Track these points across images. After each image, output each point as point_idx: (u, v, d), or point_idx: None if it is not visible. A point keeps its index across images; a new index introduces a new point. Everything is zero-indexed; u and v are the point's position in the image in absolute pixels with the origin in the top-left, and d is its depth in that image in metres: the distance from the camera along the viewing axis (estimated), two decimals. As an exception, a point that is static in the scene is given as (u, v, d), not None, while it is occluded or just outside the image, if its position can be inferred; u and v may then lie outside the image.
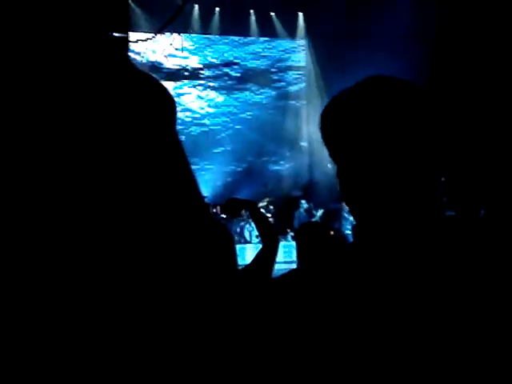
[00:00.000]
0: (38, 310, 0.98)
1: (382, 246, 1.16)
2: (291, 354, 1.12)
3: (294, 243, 13.27)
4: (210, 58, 17.13)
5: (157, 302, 1.14)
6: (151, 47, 15.63)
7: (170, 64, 16.34)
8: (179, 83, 16.31)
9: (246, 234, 14.41)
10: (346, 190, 1.19)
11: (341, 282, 1.16)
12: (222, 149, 16.81)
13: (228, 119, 17.19)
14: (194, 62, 16.92)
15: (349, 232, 13.04)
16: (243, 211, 3.71)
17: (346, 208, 11.22)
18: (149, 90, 1.27)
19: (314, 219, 14.17)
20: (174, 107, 1.29)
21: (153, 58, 16.02)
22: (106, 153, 1.15)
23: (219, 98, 17.22)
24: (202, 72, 16.96)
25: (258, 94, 17.45)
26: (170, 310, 1.14)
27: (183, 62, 16.62)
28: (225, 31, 16.73)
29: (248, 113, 17.30)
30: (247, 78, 17.39)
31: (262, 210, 15.14)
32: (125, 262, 1.13)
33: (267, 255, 3.12)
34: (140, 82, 1.27)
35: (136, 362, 1.06)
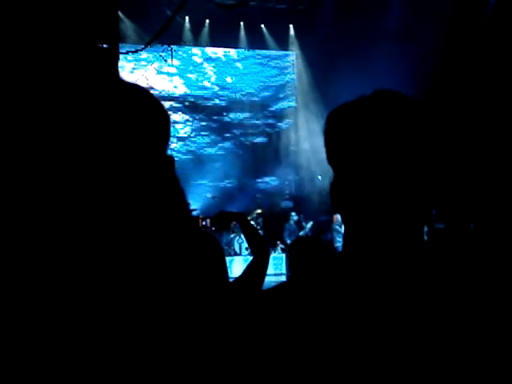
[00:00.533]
0: (37, 310, 0.98)
1: (369, 259, 1.16)
2: (282, 365, 1.11)
3: (283, 255, 13.32)
4: (194, 88, 17.13)
5: (149, 312, 1.14)
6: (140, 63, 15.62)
7: (158, 86, 16.26)
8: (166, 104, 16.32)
9: (236, 246, 14.38)
10: (341, 197, 1.19)
11: (327, 296, 1.16)
12: (213, 167, 16.80)
13: (218, 138, 17.19)
14: (180, 88, 16.93)
15: (339, 245, 13.04)
16: (233, 224, 3.67)
17: (338, 220, 11.29)
18: (143, 103, 1.26)
19: (303, 231, 14.20)
20: (168, 121, 1.29)
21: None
22: (99, 164, 1.15)
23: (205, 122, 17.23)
24: (187, 99, 16.96)
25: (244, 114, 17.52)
26: (164, 318, 1.14)
27: (170, 87, 16.58)
28: (215, 43, 16.76)
29: (237, 131, 17.34)
30: (234, 103, 17.44)
31: (252, 222, 15.14)
32: (114, 271, 1.13)
33: (258, 267, 3.10)
34: (134, 95, 1.26)
35: (132, 364, 1.08)
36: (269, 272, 3.34)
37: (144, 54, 14.83)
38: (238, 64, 17.50)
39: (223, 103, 17.28)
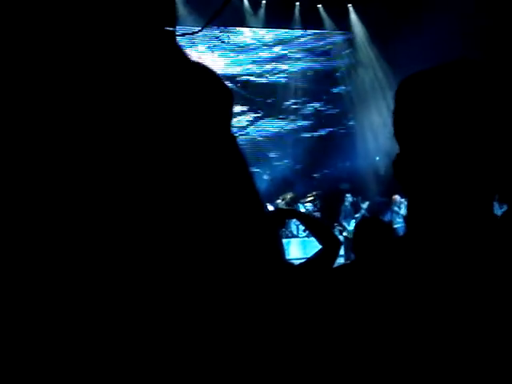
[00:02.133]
0: (38, 310, 0.98)
1: (436, 238, 1.11)
2: (351, 347, 1.10)
3: (342, 237, 13.22)
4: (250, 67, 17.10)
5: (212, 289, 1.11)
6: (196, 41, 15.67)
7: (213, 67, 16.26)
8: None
9: (293, 228, 14.38)
10: (408, 172, 1.14)
11: (396, 279, 1.13)
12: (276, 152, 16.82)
13: (273, 121, 17.20)
14: (234, 69, 16.91)
15: (399, 226, 12.94)
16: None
17: (396, 201, 11.14)
18: (204, 80, 1.24)
19: (360, 212, 14.10)
20: (232, 99, 1.27)
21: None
22: (160, 150, 1.14)
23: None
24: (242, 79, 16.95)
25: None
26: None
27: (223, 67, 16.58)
28: (271, 24, 16.69)
29: (291, 116, 17.29)
30: (288, 87, 17.35)
31: (310, 205, 15.12)
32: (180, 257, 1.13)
33: (327, 257, 3.04)
34: (194, 72, 1.24)
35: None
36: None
37: (198, 39, 14.88)
38: (294, 44, 17.38)
39: (277, 85, 17.23)
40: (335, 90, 17.68)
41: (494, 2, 12.96)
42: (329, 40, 17.58)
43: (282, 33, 17.22)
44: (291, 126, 17.36)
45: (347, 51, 17.64)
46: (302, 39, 17.39)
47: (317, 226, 3.12)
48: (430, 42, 12.80)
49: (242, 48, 16.99)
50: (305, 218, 3.24)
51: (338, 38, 17.59)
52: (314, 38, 17.46)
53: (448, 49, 11.96)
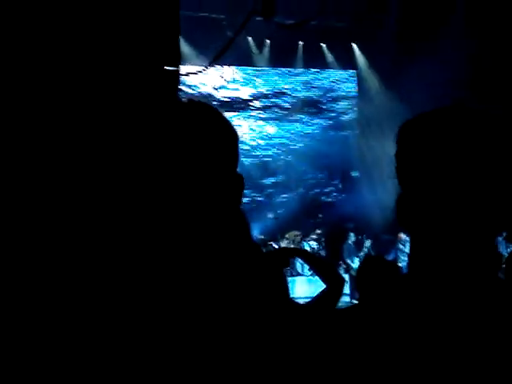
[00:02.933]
0: (38, 310, 0.99)
1: (439, 280, 1.12)
2: None
3: (347, 276, 13.21)
4: (259, 89, 17.17)
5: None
6: (201, 80, 15.79)
7: (221, 96, 16.49)
8: (230, 114, 16.39)
9: (298, 267, 14.29)
10: (410, 213, 1.15)
11: (398, 320, 1.13)
12: (273, 180, 16.76)
13: (279, 151, 17.17)
14: (244, 94, 16.98)
15: (404, 264, 12.85)
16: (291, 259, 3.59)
17: (402, 239, 11.14)
18: (210, 122, 1.25)
19: (363, 250, 14.02)
20: (237, 139, 1.28)
21: (203, 90, 16.19)
22: (168, 185, 1.15)
23: (270, 129, 17.20)
24: (252, 103, 17.01)
25: (309, 125, 17.43)
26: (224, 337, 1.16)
27: (234, 94, 16.72)
28: (275, 63, 16.83)
29: (299, 144, 17.27)
30: (297, 108, 17.37)
31: (314, 243, 15.06)
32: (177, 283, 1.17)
33: (332, 296, 3.02)
34: (200, 114, 1.26)
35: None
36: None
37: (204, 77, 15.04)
38: (298, 79, 17.53)
39: (284, 112, 17.31)
40: (341, 133, 17.77)
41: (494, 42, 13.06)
42: (333, 78, 17.71)
43: (286, 71, 17.38)
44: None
45: (353, 89, 17.76)
46: (307, 77, 17.52)
47: (320, 265, 3.10)
48: (438, 80, 12.90)
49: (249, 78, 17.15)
50: (308, 257, 3.22)
51: (342, 75, 17.72)
52: (317, 77, 17.59)
53: (452, 84, 12.04)
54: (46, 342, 0.98)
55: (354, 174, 17.07)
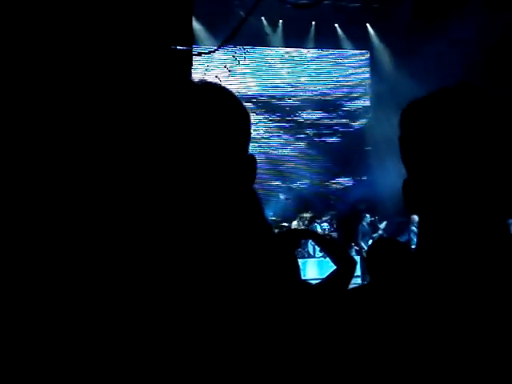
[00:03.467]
0: (38, 310, 0.98)
1: (447, 262, 1.11)
2: (362, 366, 1.10)
3: (358, 258, 13.24)
4: (269, 81, 17.09)
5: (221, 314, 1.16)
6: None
7: (231, 86, 16.34)
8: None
9: (310, 248, 14.30)
10: (416, 196, 1.15)
11: (406, 302, 1.13)
12: (286, 168, 16.75)
13: (291, 138, 17.13)
14: (253, 89, 16.88)
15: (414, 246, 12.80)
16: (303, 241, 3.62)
17: (414, 221, 11.13)
18: (223, 102, 1.26)
19: (378, 232, 14.00)
20: (249, 120, 1.31)
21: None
22: (180, 167, 1.15)
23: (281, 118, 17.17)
24: (260, 99, 16.93)
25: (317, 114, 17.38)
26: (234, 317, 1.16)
27: (242, 87, 16.57)
28: (288, 43, 16.74)
29: (311, 131, 17.23)
30: (307, 103, 17.30)
31: (326, 224, 15.06)
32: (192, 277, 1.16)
33: (342, 278, 3.02)
34: (214, 94, 1.26)
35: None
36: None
37: (217, 56, 14.92)
38: (311, 63, 17.37)
39: (296, 103, 17.19)
40: (354, 109, 17.66)
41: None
42: (347, 59, 17.59)
43: (299, 52, 17.26)
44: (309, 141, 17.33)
45: (365, 69, 17.64)
46: (321, 58, 17.42)
47: (331, 246, 3.10)
48: (451, 59, 12.78)
49: (260, 67, 17.03)
50: (319, 238, 3.22)
51: (357, 56, 17.60)
52: (332, 57, 17.48)
53: (467, 65, 11.92)
54: (46, 342, 0.98)
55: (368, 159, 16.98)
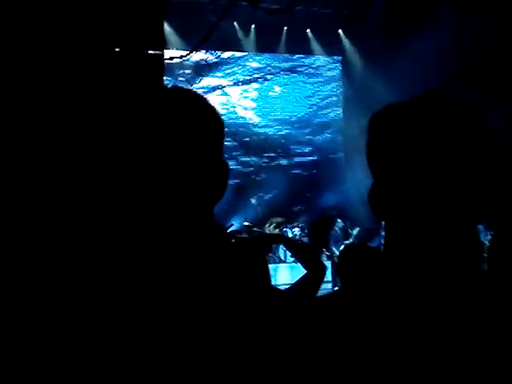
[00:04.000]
0: (38, 310, 0.97)
1: (414, 270, 1.12)
2: (329, 372, 1.10)
3: (329, 263, 13.28)
4: (239, 76, 17.10)
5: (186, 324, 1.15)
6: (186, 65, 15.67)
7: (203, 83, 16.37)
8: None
9: (281, 253, 14.30)
10: (383, 203, 1.15)
11: (375, 309, 1.14)
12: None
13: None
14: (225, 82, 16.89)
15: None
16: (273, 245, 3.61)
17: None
18: (196, 108, 1.25)
19: (350, 238, 14.05)
20: (222, 126, 1.29)
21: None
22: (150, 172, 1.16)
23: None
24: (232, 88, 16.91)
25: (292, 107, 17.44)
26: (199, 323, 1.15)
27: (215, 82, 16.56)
28: (260, 49, 16.76)
29: (285, 127, 17.27)
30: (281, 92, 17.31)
31: (297, 229, 15.09)
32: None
33: (312, 283, 3.03)
34: (187, 100, 1.25)
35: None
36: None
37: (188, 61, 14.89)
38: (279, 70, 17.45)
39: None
40: (325, 119, 17.72)
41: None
42: (318, 64, 17.65)
43: (271, 57, 17.29)
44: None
45: (337, 74, 17.72)
46: (291, 63, 17.46)
47: (302, 251, 3.11)
48: (425, 63, 12.87)
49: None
50: (290, 243, 3.22)
51: (327, 62, 17.67)
52: (302, 63, 17.53)
53: (441, 72, 12.01)
54: (47, 342, 0.98)
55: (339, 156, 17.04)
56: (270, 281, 2.57)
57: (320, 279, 3.00)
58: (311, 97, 17.68)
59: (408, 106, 1.15)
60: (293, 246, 3.15)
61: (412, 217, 1.10)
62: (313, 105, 17.65)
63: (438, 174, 1.08)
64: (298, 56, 17.42)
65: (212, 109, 1.28)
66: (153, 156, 1.18)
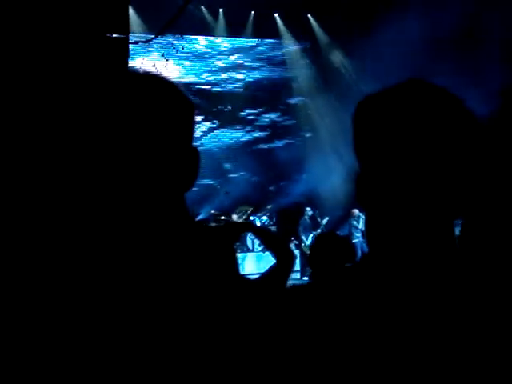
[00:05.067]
0: (38, 310, 0.99)
1: (396, 260, 1.12)
2: (296, 367, 1.09)
3: (298, 252, 13.38)
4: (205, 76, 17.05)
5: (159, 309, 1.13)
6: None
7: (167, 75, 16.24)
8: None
9: (249, 242, 14.33)
10: (368, 191, 1.15)
11: (353, 301, 1.12)
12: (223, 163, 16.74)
13: (227, 133, 17.13)
14: (187, 79, 16.75)
15: (357, 240, 13.05)
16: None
17: (355, 215, 11.49)
18: (165, 93, 1.21)
19: (319, 227, 14.15)
20: (193, 111, 1.26)
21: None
22: (111, 161, 1.13)
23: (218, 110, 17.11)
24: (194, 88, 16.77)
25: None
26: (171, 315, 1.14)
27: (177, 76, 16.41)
28: (229, 33, 16.69)
29: (246, 127, 17.31)
30: (243, 97, 17.34)
31: (265, 218, 15.12)
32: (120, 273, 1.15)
33: (281, 272, 3.04)
34: (155, 84, 1.22)
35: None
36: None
37: (154, 45, 14.75)
38: (247, 54, 17.40)
39: (231, 95, 17.18)
40: (292, 101, 17.71)
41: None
42: (286, 49, 17.62)
43: (239, 42, 17.21)
44: (247, 137, 17.31)
45: (305, 61, 17.70)
46: (259, 48, 17.42)
47: (271, 240, 3.11)
48: (396, 48, 12.90)
49: (197, 57, 16.93)
50: (260, 232, 3.23)
51: (295, 47, 17.64)
52: (270, 47, 17.50)
53: (413, 54, 12.03)
54: (46, 342, 0.98)
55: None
56: (238, 270, 2.55)
57: (289, 268, 3.01)
58: (280, 79, 17.62)
59: (393, 93, 1.15)
60: (262, 234, 3.15)
61: (393, 207, 1.11)
62: (279, 90, 17.60)
63: (421, 163, 1.08)
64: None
65: (181, 93, 1.23)
66: (118, 142, 1.13)
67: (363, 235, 12.79)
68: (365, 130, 1.16)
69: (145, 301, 1.14)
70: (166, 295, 1.16)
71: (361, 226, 13.24)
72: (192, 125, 1.26)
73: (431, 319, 1.07)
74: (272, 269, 3.02)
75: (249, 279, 1.33)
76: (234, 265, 1.28)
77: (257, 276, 3.15)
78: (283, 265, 3.03)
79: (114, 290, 1.14)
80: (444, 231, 1.12)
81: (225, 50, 17.21)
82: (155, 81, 1.22)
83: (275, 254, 3.05)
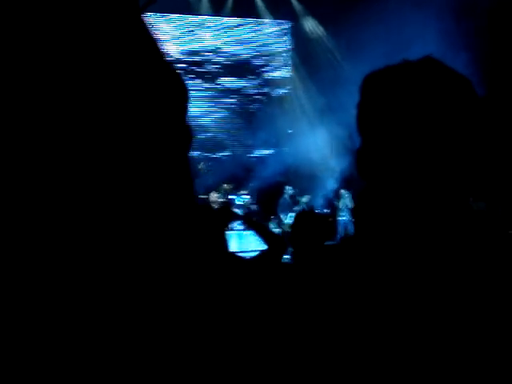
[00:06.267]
0: (37, 311, 0.96)
1: (389, 240, 1.12)
2: (288, 350, 1.11)
3: (279, 230, 13.31)
4: (189, 47, 16.89)
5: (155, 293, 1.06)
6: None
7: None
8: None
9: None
10: (370, 165, 1.15)
11: (341, 280, 1.13)
12: (207, 135, 16.62)
13: (213, 104, 16.99)
14: (173, 50, 16.56)
15: (342, 219, 13.14)
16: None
17: (342, 195, 11.50)
18: (161, 73, 1.17)
19: (299, 206, 14.15)
20: (187, 93, 1.21)
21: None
22: (103, 146, 1.09)
23: (201, 85, 16.97)
24: (182, 60, 16.66)
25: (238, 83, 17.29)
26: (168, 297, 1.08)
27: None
28: (212, 10, 16.53)
29: (232, 100, 17.13)
30: (230, 66, 17.17)
31: (247, 196, 15.11)
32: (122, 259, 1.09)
33: (275, 255, 3.12)
34: (150, 64, 1.18)
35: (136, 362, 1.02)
36: (261, 248, 3.39)
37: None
38: (232, 30, 17.22)
39: (216, 70, 17.04)
40: (272, 76, 17.60)
41: None
42: (267, 30, 17.49)
43: (221, 21, 17.06)
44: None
45: (286, 40, 17.58)
46: (241, 28, 17.27)
47: (263, 229, 3.29)
48: (380, 27, 12.81)
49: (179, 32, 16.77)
50: (250, 222, 3.39)
51: (277, 27, 17.51)
52: (252, 28, 17.35)
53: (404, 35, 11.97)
54: (46, 342, 0.95)
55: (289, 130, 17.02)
56: (228, 248, 2.65)
57: (281, 253, 3.11)
58: (260, 56, 17.52)
59: (403, 70, 1.15)
60: (253, 224, 3.27)
61: (397, 180, 1.10)
62: (261, 65, 17.51)
63: (427, 139, 1.08)
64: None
65: (176, 73, 1.23)
66: (114, 122, 1.12)
67: (351, 213, 12.88)
68: (372, 105, 1.16)
69: (142, 285, 1.14)
70: (166, 271, 1.17)
71: (341, 204, 13.33)
72: (186, 106, 1.26)
73: (418, 303, 1.06)
74: (264, 252, 3.12)
75: (240, 257, 1.35)
76: (225, 243, 1.30)
77: (241, 253, 3.27)
78: (275, 250, 3.13)
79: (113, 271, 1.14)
80: (448, 212, 1.10)
81: (207, 26, 17.05)
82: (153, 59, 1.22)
83: (267, 242, 3.16)
